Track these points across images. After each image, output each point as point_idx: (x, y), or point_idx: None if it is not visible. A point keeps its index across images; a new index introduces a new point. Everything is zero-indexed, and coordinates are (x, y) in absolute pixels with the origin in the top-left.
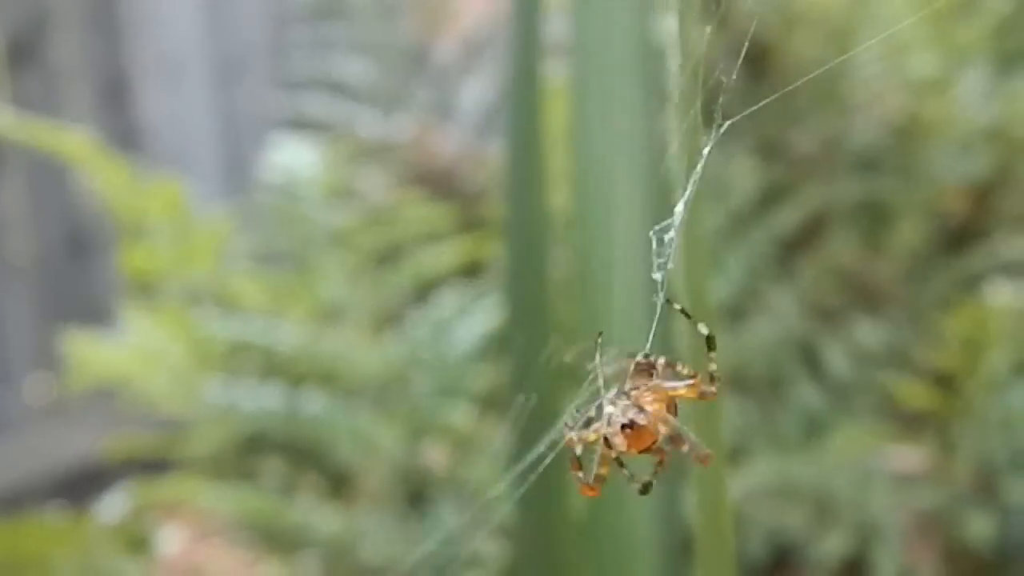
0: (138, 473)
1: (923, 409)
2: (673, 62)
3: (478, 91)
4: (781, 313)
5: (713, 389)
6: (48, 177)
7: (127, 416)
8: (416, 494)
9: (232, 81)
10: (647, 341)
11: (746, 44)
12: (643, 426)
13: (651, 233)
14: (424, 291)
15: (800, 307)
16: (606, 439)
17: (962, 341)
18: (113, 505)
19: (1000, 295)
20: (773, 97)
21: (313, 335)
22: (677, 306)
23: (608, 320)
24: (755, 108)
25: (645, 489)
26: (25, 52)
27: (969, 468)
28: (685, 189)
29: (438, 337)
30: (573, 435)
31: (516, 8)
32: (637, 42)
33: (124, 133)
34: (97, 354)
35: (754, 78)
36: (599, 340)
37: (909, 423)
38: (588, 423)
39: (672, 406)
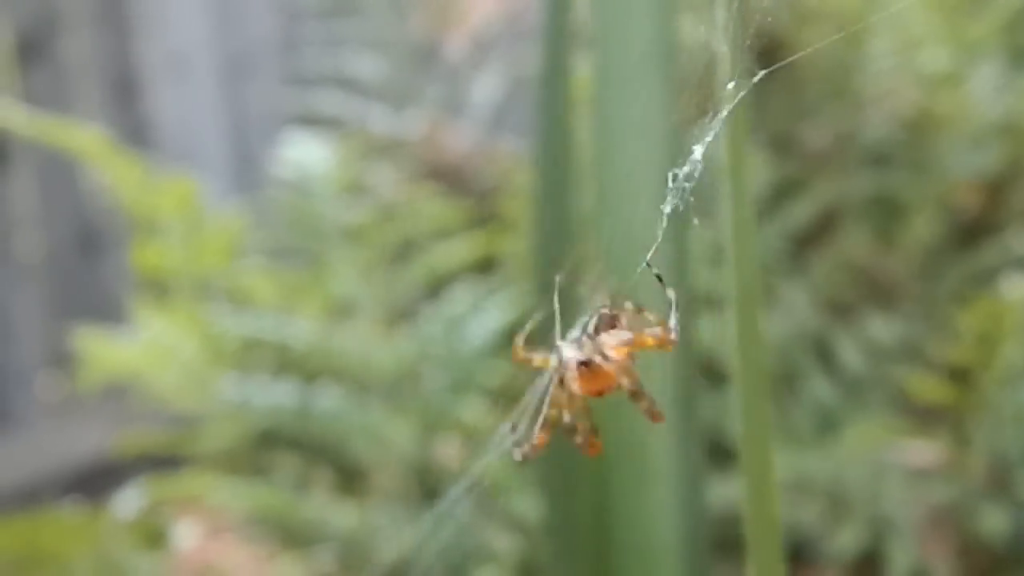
0: (151, 469)
1: (937, 404)
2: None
3: (489, 87)
4: (794, 308)
5: (673, 337)
6: (58, 174)
7: (139, 413)
8: (430, 490)
9: (242, 78)
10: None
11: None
12: (600, 368)
13: (670, 173)
14: (437, 287)
15: (813, 302)
16: (561, 379)
17: (976, 335)
18: (128, 501)
19: (1014, 289)
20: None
21: (326, 331)
22: (654, 270)
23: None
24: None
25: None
26: (35, 49)
27: (983, 462)
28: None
29: (451, 333)
30: (521, 351)
31: (546, 1)
32: (659, 35)
33: (134, 130)
34: (109, 351)
35: (766, 73)
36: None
37: (923, 418)
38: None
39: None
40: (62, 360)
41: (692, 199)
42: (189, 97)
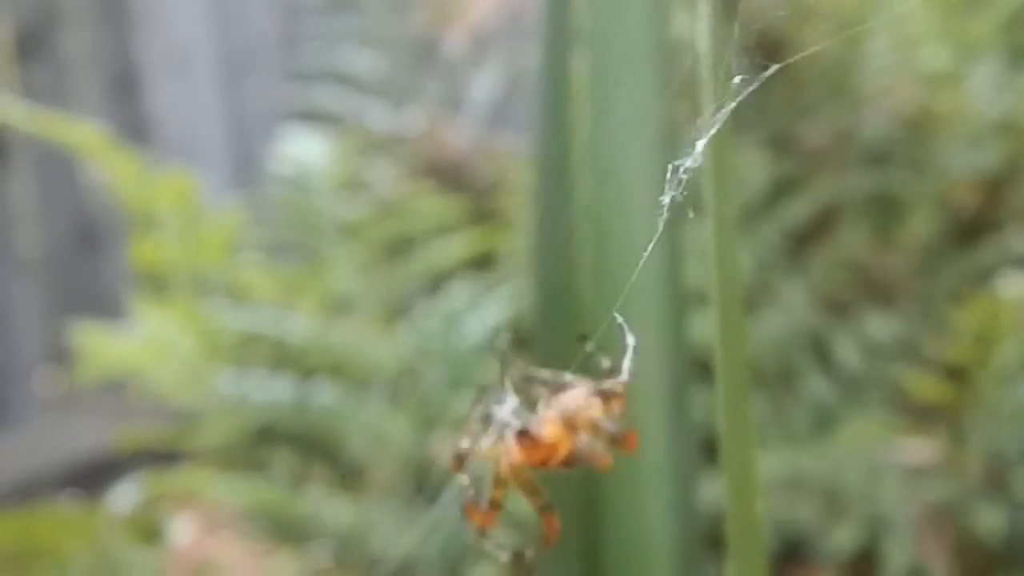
0: (148, 464)
1: (934, 402)
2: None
3: (488, 84)
4: (791, 306)
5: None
6: (57, 170)
7: (137, 408)
8: (427, 486)
9: (241, 73)
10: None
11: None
12: (540, 437)
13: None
14: (435, 283)
15: (810, 300)
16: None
17: (973, 334)
18: (124, 496)
19: (1012, 288)
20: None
21: (323, 327)
22: (619, 319)
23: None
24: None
25: (518, 559)
26: (34, 44)
27: (980, 461)
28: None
29: (449, 329)
30: (464, 448)
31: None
32: (653, 33)
33: (133, 125)
34: (107, 346)
35: (765, 71)
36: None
37: (920, 416)
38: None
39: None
40: (60, 355)
41: (687, 193)
42: (188, 93)
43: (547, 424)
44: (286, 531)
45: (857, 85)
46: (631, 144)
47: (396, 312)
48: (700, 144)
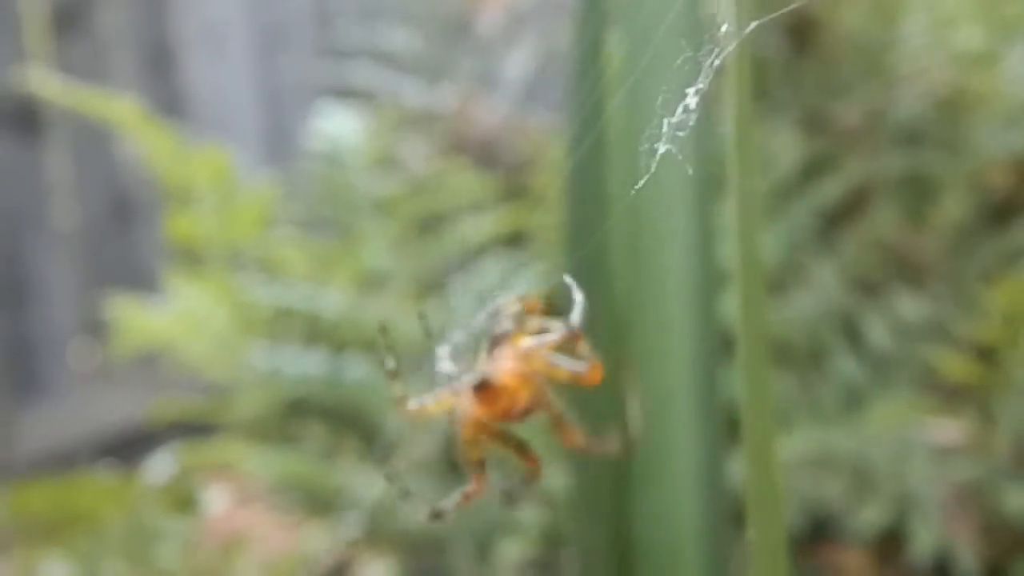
0: (182, 436)
1: (963, 382)
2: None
3: (521, 62)
4: (822, 286)
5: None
6: (92, 144)
7: (170, 381)
8: (456, 461)
9: (275, 49)
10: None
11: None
12: (498, 385)
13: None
14: (466, 260)
15: (842, 280)
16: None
17: (1003, 314)
18: (160, 466)
19: None
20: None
21: (356, 302)
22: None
23: (657, 287)
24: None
25: (508, 500)
26: (71, 21)
27: (1008, 441)
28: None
29: (480, 306)
30: (407, 405)
31: None
32: (687, 11)
33: (168, 101)
34: (142, 320)
35: (799, 51)
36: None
37: (949, 396)
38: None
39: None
40: (95, 328)
41: (680, 145)
42: (223, 68)
43: (502, 370)
44: (317, 503)
45: (891, 65)
46: (664, 121)
47: (428, 288)
48: (692, 98)
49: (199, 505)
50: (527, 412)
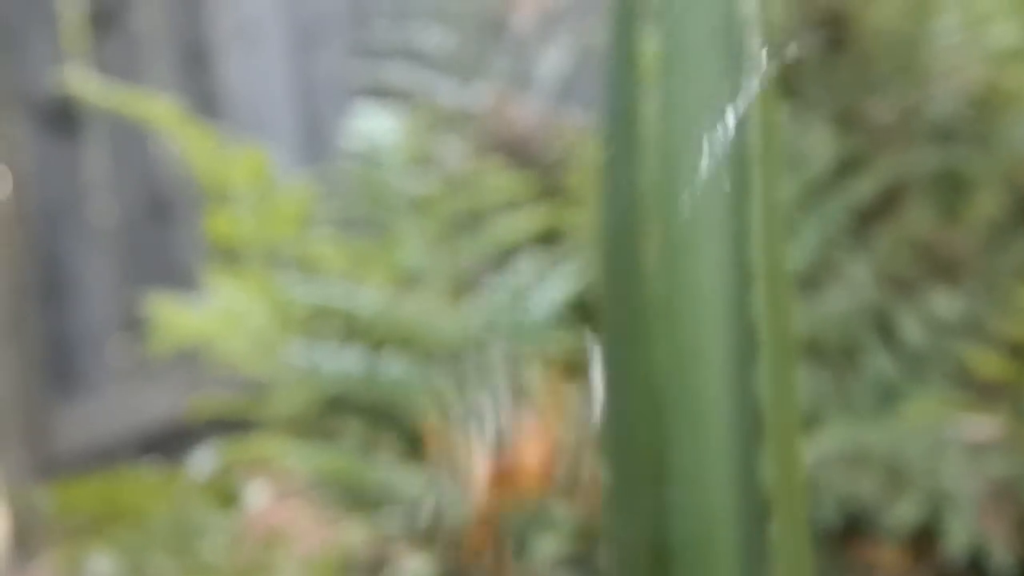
0: (221, 433)
1: (997, 379)
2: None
3: (556, 60)
4: (856, 283)
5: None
6: (129, 142)
7: (209, 378)
8: None
9: (311, 48)
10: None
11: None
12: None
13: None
14: (502, 258)
15: (875, 277)
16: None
17: None
18: (202, 462)
19: None
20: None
21: (393, 300)
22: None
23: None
24: None
25: None
26: (108, 20)
27: None
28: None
29: (515, 303)
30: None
31: None
32: (725, 9)
33: (203, 99)
34: (180, 317)
35: (832, 48)
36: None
37: (983, 393)
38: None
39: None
40: (133, 325)
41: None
42: (258, 67)
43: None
44: (356, 499)
45: (925, 63)
46: (700, 122)
47: (464, 286)
48: (730, 116)
49: (241, 500)
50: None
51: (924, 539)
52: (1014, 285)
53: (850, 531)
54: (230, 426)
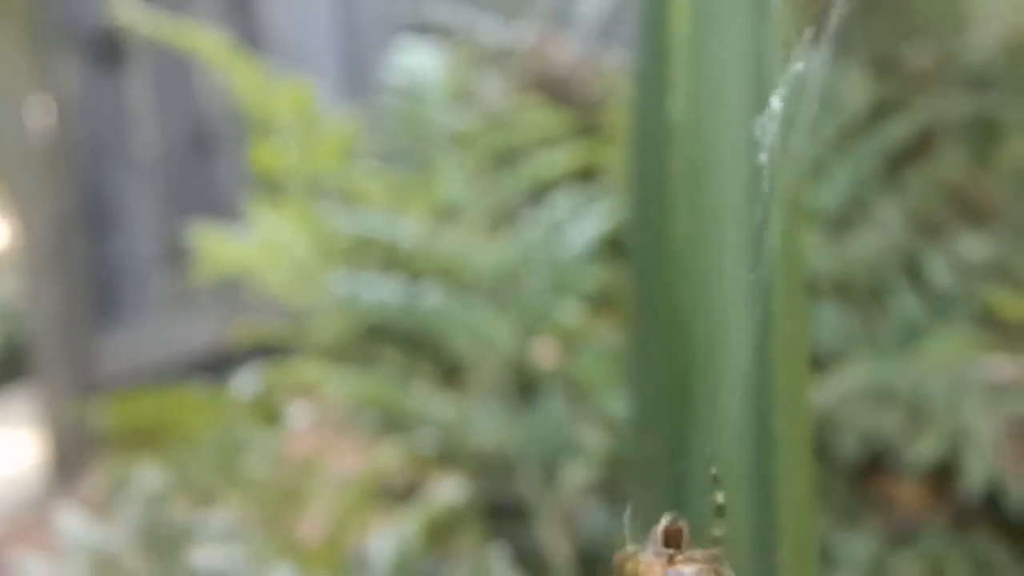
0: (264, 359)
1: (1020, 321)
2: None
3: (597, 1)
4: (886, 225)
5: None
6: (173, 74)
7: (250, 307)
8: (525, 386)
9: None
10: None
11: None
12: None
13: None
14: (539, 193)
15: (905, 220)
16: None
17: None
18: (245, 383)
19: None
20: None
21: (432, 232)
22: (713, 470)
23: (717, 222)
24: None
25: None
26: None
27: None
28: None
29: (551, 238)
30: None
31: None
32: None
33: (249, 35)
34: (223, 247)
35: None
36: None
37: (1006, 334)
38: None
39: None
40: (175, 256)
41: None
42: (303, 3)
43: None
44: (391, 424)
45: (963, 10)
46: (728, 63)
47: (501, 220)
48: (776, 102)
49: (283, 421)
50: None
51: (943, 476)
52: None
53: (871, 466)
54: (272, 353)
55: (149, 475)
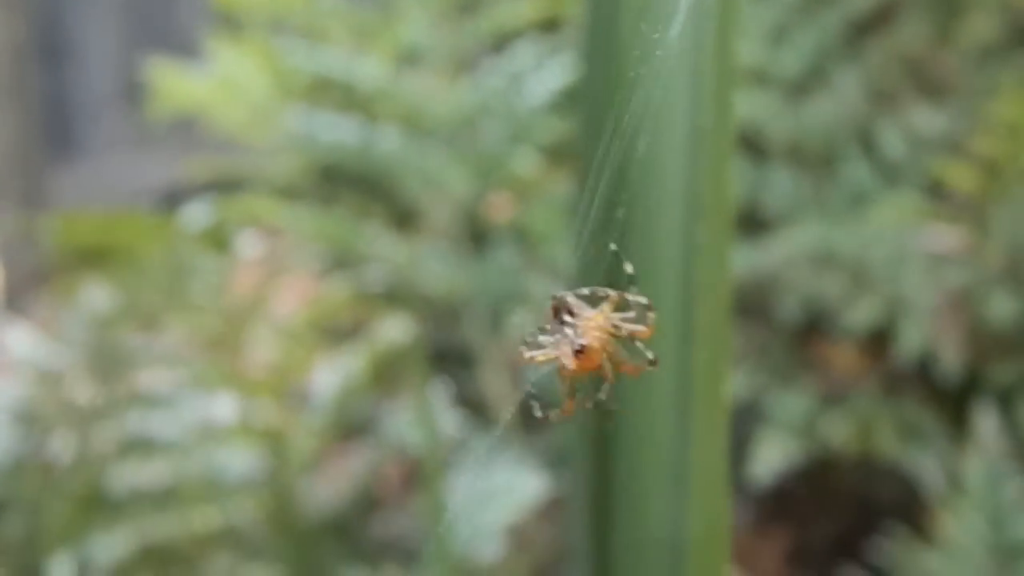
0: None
1: (967, 193)
2: None
3: None
4: (843, 93)
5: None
6: None
7: (206, 144)
8: (478, 235)
9: None
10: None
11: None
12: (593, 350)
13: None
14: (502, 43)
15: (863, 89)
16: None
17: (1008, 127)
18: (197, 214)
19: None
20: None
21: (392, 75)
22: (612, 246)
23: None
24: None
25: (598, 406)
26: None
27: (1001, 251)
28: None
29: (512, 88)
30: (528, 355)
31: None
32: None
33: None
34: (180, 83)
35: None
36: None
37: (954, 205)
38: (539, 345)
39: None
40: (133, 91)
41: None
42: None
43: (594, 338)
44: (342, 263)
45: None
46: None
47: (463, 67)
48: None
49: (232, 250)
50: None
51: (879, 341)
52: (995, 104)
53: (811, 329)
54: (226, 189)
55: (96, 296)
